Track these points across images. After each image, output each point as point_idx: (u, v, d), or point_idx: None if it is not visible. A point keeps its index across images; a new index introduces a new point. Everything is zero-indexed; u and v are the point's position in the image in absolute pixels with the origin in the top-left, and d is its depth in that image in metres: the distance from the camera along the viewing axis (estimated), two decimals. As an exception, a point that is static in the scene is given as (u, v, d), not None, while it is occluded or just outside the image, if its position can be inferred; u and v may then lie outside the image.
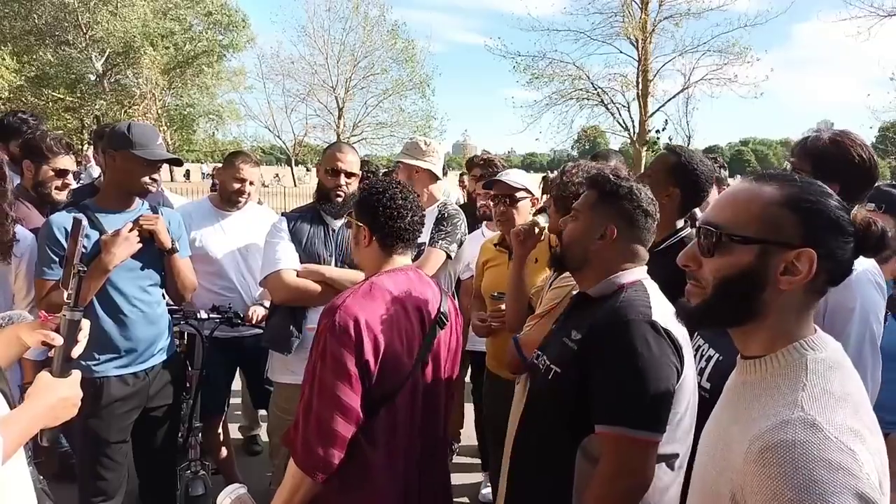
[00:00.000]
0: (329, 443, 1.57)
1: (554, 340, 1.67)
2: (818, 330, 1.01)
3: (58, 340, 1.36)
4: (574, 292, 1.81)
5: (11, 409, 1.26)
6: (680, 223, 2.16)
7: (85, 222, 1.50)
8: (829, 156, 1.86)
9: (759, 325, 0.99)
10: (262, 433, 3.98)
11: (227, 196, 3.16)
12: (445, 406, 1.90)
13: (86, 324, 1.43)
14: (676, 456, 1.50)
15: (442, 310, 1.81)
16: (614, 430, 1.41)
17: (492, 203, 2.73)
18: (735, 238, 0.98)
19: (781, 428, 0.86)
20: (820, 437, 0.83)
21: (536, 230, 2.28)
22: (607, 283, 1.59)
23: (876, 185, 2.04)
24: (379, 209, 1.75)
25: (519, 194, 2.61)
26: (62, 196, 2.91)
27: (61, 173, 2.90)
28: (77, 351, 1.39)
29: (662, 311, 1.48)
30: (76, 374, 1.38)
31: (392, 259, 1.79)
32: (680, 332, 1.49)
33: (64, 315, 1.38)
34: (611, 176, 1.62)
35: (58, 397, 1.31)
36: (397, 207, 1.75)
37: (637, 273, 1.61)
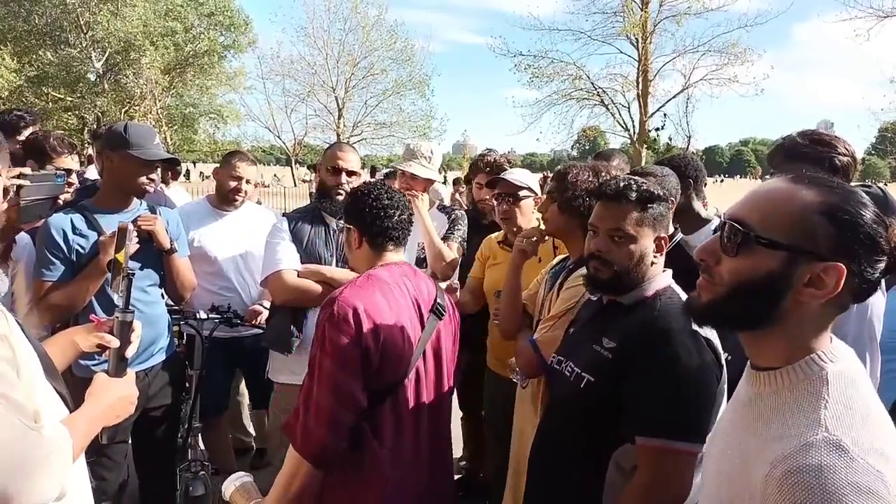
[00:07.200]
0: (328, 428, 1.57)
1: (580, 347, 1.65)
2: (833, 339, 0.96)
3: (114, 342, 1.43)
4: (591, 297, 1.80)
5: (70, 410, 1.28)
6: (671, 228, 2.16)
7: (130, 227, 1.56)
8: (814, 154, 1.90)
9: (773, 334, 0.95)
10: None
11: (224, 195, 3.15)
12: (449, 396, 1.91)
13: (138, 325, 1.49)
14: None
15: (439, 301, 1.83)
16: (656, 442, 1.40)
17: (495, 202, 2.73)
18: (763, 241, 0.91)
19: (805, 451, 0.82)
20: (846, 459, 0.79)
21: (536, 238, 2.26)
22: (638, 290, 1.59)
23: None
24: (366, 210, 1.80)
25: (522, 193, 2.61)
26: (68, 196, 2.90)
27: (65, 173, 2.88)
28: (131, 351, 1.46)
29: None
30: (131, 374, 1.46)
31: (384, 257, 1.82)
32: (717, 340, 1.47)
33: (116, 317, 1.45)
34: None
35: (116, 396, 1.38)
36: (383, 207, 1.79)
37: (666, 278, 1.62)
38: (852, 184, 2.05)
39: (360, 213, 1.81)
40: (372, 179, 2.46)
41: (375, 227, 1.79)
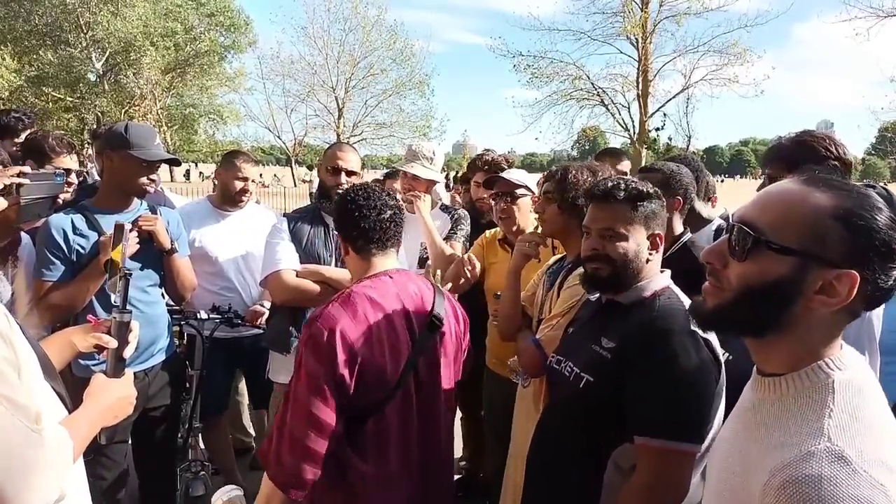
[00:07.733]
0: (301, 458, 1.53)
1: (580, 347, 1.65)
2: (843, 346, 0.92)
3: (112, 343, 1.42)
4: (590, 297, 1.80)
5: (68, 411, 1.27)
6: (679, 228, 2.15)
7: (127, 226, 1.53)
8: (797, 155, 1.90)
9: (782, 340, 0.91)
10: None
11: (230, 196, 3.15)
12: (449, 408, 1.87)
13: (135, 325, 1.48)
14: (703, 465, 1.49)
15: (435, 312, 1.74)
16: (655, 443, 1.41)
17: (492, 201, 2.73)
18: (773, 245, 0.86)
19: (806, 460, 0.79)
20: (848, 471, 0.76)
21: (537, 241, 2.28)
22: (636, 290, 1.60)
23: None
24: (343, 214, 1.75)
25: (519, 192, 2.62)
26: (67, 195, 2.90)
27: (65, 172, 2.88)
28: (129, 351, 1.45)
29: None
30: (129, 374, 1.45)
31: (371, 263, 1.75)
32: (716, 341, 1.48)
33: (114, 317, 1.44)
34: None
35: (115, 397, 1.37)
36: (358, 208, 1.73)
37: (664, 279, 1.62)
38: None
39: (338, 217, 1.77)
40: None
41: (353, 230, 1.73)
